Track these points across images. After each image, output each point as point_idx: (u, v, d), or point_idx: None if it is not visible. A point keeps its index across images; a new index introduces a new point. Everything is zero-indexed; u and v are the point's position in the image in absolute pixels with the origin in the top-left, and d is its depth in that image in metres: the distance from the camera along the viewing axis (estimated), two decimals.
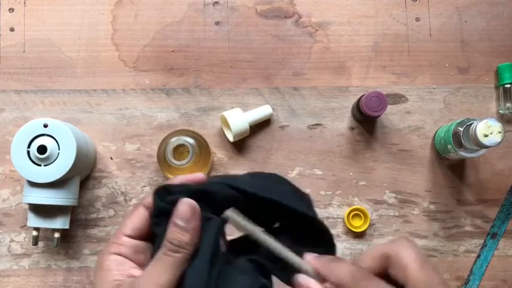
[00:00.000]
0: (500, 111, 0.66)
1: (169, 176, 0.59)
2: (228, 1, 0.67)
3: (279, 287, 0.36)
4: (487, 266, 0.64)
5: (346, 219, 0.64)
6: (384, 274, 0.36)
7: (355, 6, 0.68)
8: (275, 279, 0.36)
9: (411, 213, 0.65)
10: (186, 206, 0.36)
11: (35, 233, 0.58)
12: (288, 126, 0.65)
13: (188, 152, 0.57)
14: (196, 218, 0.36)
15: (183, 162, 0.57)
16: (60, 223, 0.58)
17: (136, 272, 0.38)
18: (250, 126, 0.63)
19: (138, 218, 0.39)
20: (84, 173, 0.62)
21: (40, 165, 0.55)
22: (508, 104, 0.65)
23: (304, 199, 0.37)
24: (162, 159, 0.59)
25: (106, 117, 0.65)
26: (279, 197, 0.36)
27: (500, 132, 0.54)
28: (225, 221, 0.36)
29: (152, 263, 0.37)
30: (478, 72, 0.67)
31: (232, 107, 0.65)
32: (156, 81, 0.66)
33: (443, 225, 0.65)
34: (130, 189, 0.64)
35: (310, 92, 0.66)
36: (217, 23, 0.67)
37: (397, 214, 0.65)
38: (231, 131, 0.61)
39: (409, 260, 0.35)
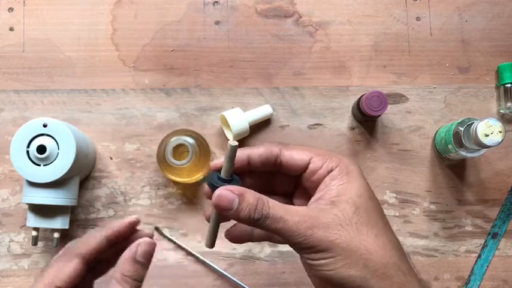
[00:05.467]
0: (501, 111, 0.66)
1: (169, 176, 0.59)
2: (228, 0, 0.67)
3: None
4: (487, 266, 0.64)
5: None
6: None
7: (356, 6, 0.67)
8: None
9: (412, 213, 0.64)
10: (149, 246, 0.38)
11: (34, 233, 0.58)
12: (288, 126, 0.65)
13: (188, 152, 0.57)
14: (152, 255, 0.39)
15: (183, 162, 0.57)
16: (60, 223, 0.57)
17: None
18: (250, 126, 0.63)
19: (71, 269, 0.38)
20: (84, 173, 0.62)
21: (39, 165, 0.54)
22: (509, 104, 0.65)
23: None
24: (161, 159, 0.59)
25: (105, 117, 0.65)
26: None
27: (500, 132, 0.54)
28: None
29: None
30: (479, 72, 0.67)
31: (232, 107, 0.65)
32: (155, 81, 0.65)
33: (443, 225, 0.64)
34: (130, 189, 0.64)
35: (310, 92, 0.66)
36: (217, 23, 0.67)
37: (397, 214, 0.64)
38: (231, 131, 0.61)
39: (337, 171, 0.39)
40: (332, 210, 0.36)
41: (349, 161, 0.40)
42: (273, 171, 0.41)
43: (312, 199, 0.39)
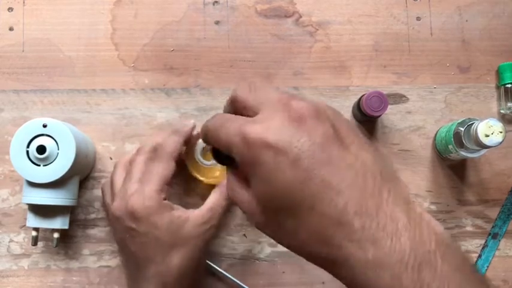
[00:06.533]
0: (501, 111, 0.66)
1: (198, 176, 0.59)
2: (228, 0, 0.67)
3: None
4: (488, 267, 0.64)
5: None
6: None
7: (356, 6, 0.67)
8: None
9: None
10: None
11: (34, 233, 0.58)
12: None
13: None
14: None
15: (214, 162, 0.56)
16: (60, 223, 0.57)
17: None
18: None
19: (173, 169, 0.52)
20: (84, 173, 0.62)
21: (39, 165, 0.54)
22: (509, 104, 0.65)
23: None
24: (190, 158, 0.59)
25: (105, 117, 0.65)
26: None
27: (501, 132, 0.54)
28: None
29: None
30: (479, 72, 0.67)
31: None
32: (155, 81, 0.65)
33: (444, 226, 0.64)
34: None
35: (310, 92, 0.66)
36: (217, 23, 0.67)
37: None
38: None
39: None
40: None
41: None
42: None
43: None
